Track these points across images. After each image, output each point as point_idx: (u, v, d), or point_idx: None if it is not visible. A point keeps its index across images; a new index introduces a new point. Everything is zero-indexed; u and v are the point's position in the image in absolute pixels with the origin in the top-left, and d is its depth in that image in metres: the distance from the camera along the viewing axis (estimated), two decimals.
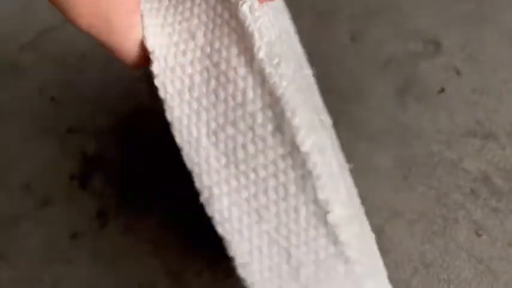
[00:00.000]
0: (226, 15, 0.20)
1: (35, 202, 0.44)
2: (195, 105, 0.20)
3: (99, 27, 0.21)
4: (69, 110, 0.50)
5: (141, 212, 0.42)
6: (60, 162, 0.46)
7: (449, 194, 0.39)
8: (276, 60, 0.19)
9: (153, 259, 0.39)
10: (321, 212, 0.19)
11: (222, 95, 0.20)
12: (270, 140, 0.19)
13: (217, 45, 0.20)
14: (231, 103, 0.20)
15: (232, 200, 0.20)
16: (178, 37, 0.21)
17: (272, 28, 0.21)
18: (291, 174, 0.19)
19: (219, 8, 0.21)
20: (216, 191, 0.20)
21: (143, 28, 0.21)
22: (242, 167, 0.20)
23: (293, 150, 0.19)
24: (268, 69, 0.19)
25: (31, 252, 0.42)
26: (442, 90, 0.44)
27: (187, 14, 0.21)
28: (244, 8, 0.20)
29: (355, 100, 0.44)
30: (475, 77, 0.44)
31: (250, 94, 0.19)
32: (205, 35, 0.21)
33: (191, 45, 0.21)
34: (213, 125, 0.20)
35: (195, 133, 0.20)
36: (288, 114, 0.19)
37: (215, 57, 0.20)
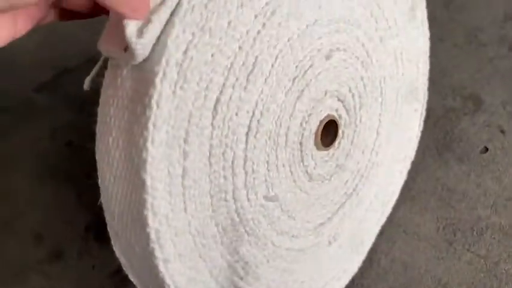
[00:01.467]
0: None
1: (46, 254, 0.41)
2: None
3: None
4: (86, 156, 0.47)
5: None
6: (75, 212, 0.43)
7: (500, 264, 0.36)
8: None
9: None
10: None
11: None
12: None
13: None
14: None
15: None
16: None
17: None
18: None
19: None
20: None
21: None
22: None
23: None
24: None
25: None
26: (486, 149, 0.42)
27: None
28: None
29: None
30: None
31: None
32: None
33: None
34: None
35: None
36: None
37: None
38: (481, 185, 0.40)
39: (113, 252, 0.43)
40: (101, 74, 0.23)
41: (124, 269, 0.25)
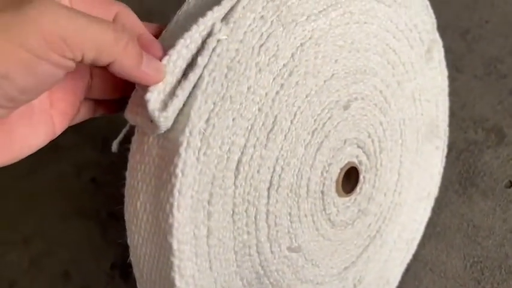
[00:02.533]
0: None
1: None
2: None
3: None
4: (111, 193, 0.48)
5: None
6: (101, 249, 0.44)
7: None
8: None
9: None
10: None
11: None
12: None
13: None
14: None
15: None
16: None
17: None
18: None
19: None
20: None
21: None
22: None
23: None
24: None
25: None
26: (511, 184, 0.41)
27: None
28: None
29: None
30: None
31: None
32: None
33: None
34: None
35: None
36: None
37: None
38: (507, 221, 0.39)
39: None
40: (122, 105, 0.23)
41: None
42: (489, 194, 0.41)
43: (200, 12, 0.22)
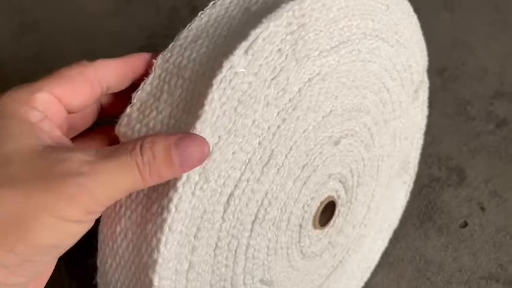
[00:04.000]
0: None
1: None
2: None
3: None
4: None
5: None
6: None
7: None
8: None
9: None
10: None
11: None
12: None
13: None
14: None
15: None
16: None
17: None
18: None
19: None
20: None
21: None
22: None
23: None
24: None
25: None
26: (465, 224, 0.43)
27: None
28: None
29: None
30: (499, 216, 0.43)
31: None
32: None
33: None
34: None
35: None
36: None
37: None
38: (458, 260, 0.41)
39: None
40: None
41: None
42: (444, 231, 0.43)
43: (216, 33, 0.21)
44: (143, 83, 0.21)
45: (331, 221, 0.31)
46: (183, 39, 0.22)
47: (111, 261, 0.21)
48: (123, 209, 0.21)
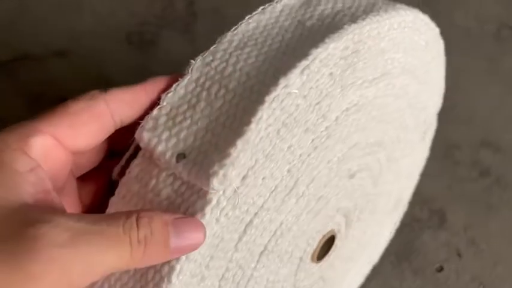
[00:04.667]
0: None
1: None
2: None
3: None
4: None
5: None
6: None
7: None
8: None
9: None
10: None
11: None
12: None
13: None
14: None
15: None
16: None
17: None
18: None
19: None
20: None
21: None
22: None
23: None
24: None
25: None
26: (441, 269, 0.42)
27: None
28: None
29: None
30: (475, 265, 0.43)
31: None
32: None
33: None
34: None
35: None
36: None
37: None
38: None
39: None
40: None
41: None
42: (420, 273, 0.42)
43: (266, 43, 0.18)
44: (175, 84, 0.19)
45: (327, 255, 0.30)
46: (227, 43, 0.19)
47: (103, 282, 0.18)
48: None
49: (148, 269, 0.18)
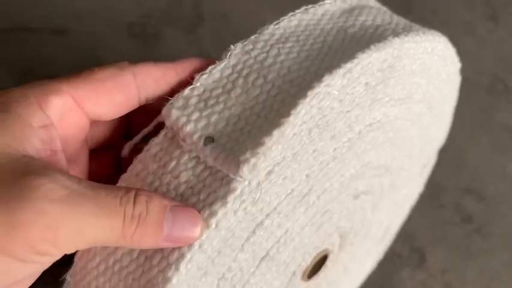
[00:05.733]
0: None
1: None
2: None
3: None
4: None
5: None
6: None
7: None
8: None
9: None
10: None
11: None
12: None
13: None
14: None
15: None
16: None
17: None
18: None
19: None
20: None
21: None
22: None
23: None
24: None
25: None
26: None
27: None
28: None
29: None
30: None
31: None
32: None
33: None
34: None
35: None
36: None
37: None
38: None
39: None
40: None
41: None
42: None
43: (308, 42, 0.18)
44: (211, 67, 0.18)
45: (316, 275, 0.29)
46: (269, 35, 0.19)
47: (99, 261, 0.17)
48: None
49: (154, 253, 0.16)
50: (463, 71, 0.55)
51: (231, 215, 0.17)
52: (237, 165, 0.16)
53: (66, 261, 0.18)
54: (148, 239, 0.16)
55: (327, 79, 0.17)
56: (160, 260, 0.16)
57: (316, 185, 0.21)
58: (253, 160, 0.16)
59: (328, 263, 0.29)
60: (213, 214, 0.16)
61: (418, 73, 0.22)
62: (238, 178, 0.16)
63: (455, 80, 0.28)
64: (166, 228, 0.16)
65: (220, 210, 0.16)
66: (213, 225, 0.16)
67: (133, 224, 0.16)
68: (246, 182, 0.16)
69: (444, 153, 0.51)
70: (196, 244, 0.16)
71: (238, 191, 0.16)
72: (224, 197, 0.16)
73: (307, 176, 0.20)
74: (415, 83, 0.23)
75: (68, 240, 0.15)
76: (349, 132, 0.20)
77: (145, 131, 0.18)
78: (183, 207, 0.16)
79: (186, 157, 0.17)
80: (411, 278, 0.44)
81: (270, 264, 0.22)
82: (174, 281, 0.16)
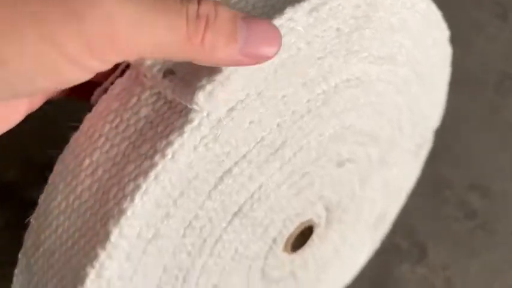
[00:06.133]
0: None
1: None
2: None
3: None
4: None
5: None
6: None
7: None
8: None
9: None
10: None
11: None
12: None
13: None
14: None
15: None
16: None
17: None
18: None
19: None
20: None
21: None
22: None
23: None
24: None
25: None
26: None
27: None
28: None
29: None
30: None
31: None
32: None
33: None
34: None
35: None
36: None
37: None
38: None
39: None
40: None
41: None
42: None
43: None
44: None
45: (301, 249, 0.28)
46: None
47: (61, 200, 0.17)
48: (102, 139, 0.17)
49: (112, 186, 0.16)
50: (471, 67, 0.54)
51: (189, 149, 0.16)
52: (193, 92, 0.15)
53: None
54: (221, 49, 0.14)
55: (289, 12, 0.16)
56: (116, 192, 0.16)
57: (290, 140, 0.21)
58: (209, 87, 0.15)
59: (314, 237, 0.28)
60: (169, 144, 0.16)
61: (398, 30, 0.22)
62: (195, 106, 0.16)
63: (446, 51, 0.28)
64: (240, 39, 0.15)
65: (177, 141, 0.16)
66: (169, 156, 0.16)
67: (201, 25, 0.14)
68: (205, 113, 0.16)
69: (449, 149, 0.50)
70: (152, 175, 0.16)
71: (195, 122, 0.16)
72: (181, 127, 0.16)
73: (278, 125, 0.19)
74: (397, 41, 0.22)
75: (126, 38, 0.14)
76: (324, 84, 0.20)
77: (114, 76, 0.18)
78: (259, 19, 0.15)
79: (147, 93, 0.17)
80: (411, 272, 0.42)
81: (245, 222, 0.21)
82: (129, 212, 0.16)
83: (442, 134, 0.51)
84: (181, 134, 0.16)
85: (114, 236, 0.16)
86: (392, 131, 0.28)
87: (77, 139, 0.17)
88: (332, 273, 0.35)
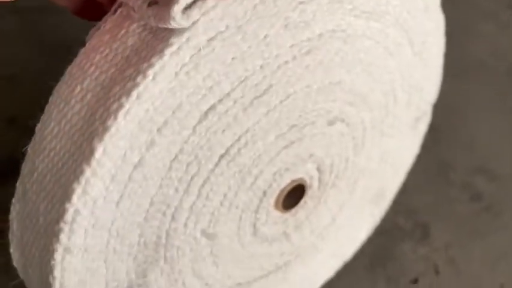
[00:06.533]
0: None
1: None
2: None
3: None
4: None
5: None
6: None
7: None
8: None
9: None
10: None
11: None
12: None
13: None
14: None
15: None
16: None
17: None
18: None
19: None
20: None
21: None
22: None
23: None
24: None
25: None
26: (416, 281, 0.40)
27: None
28: None
29: None
30: (451, 284, 0.41)
31: None
32: None
33: None
34: None
35: None
36: None
37: None
38: None
39: None
40: None
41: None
42: (392, 282, 0.40)
43: None
44: None
45: (294, 209, 0.29)
46: None
47: (53, 126, 0.18)
48: (93, 68, 0.18)
49: (98, 107, 0.17)
50: (482, 55, 0.54)
51: (170, 73, 0.17)
52: (170, 10, 0.16)
53: None
54: None
55: None
56: (102, 113, 0.17)
57: (275, 86, 0.21)
58: (183, 1, 0.16)
59: (307, 199, 0.29)
60: (150, 66, 0.17)
61: None
62: (172, 24, 0.17)
63: (439, 19, 0.28)
64: None
65: (158, 63, 0.17)
66: (150, 77, 0.17)
67: None
68: (184, 39, 0.17)
69: (456, 133, 0.50)
70: (134, 94, 0.17)
71: (175, 46, 0.17)
72: (161, 50, 0.17)
73: (261, 67, 0.20)
74: None
75: None
76: (307, 31, 0.21)
77: (108, 15, 0.20)
78: None
79: (135, 25, 0.18)
80: (413, 251, 0.42)
81: (232, 166, 0.22)
82: (112, 130, 0.17)
83: (449, 117, 0.51)
84: (161, 57, 0.17)
85: (99, 153, 0.17)
86: (385, 97, 0.28)
87: (71, 71, 0.18)
88: (331, 244, 0.35)
